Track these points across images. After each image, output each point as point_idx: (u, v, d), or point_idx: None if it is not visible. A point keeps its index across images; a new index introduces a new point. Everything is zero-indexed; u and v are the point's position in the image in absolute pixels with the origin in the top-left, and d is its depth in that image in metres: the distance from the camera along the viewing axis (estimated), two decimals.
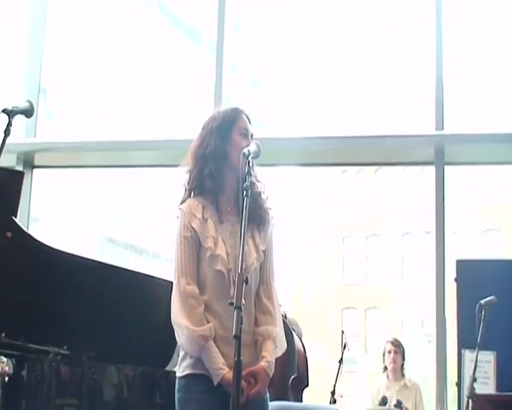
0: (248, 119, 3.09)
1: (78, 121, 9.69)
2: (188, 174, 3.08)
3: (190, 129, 7.89)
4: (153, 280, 5.29)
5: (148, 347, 5.03)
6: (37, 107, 7.39)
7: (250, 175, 2.78)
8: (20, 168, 7.02)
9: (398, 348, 6.25)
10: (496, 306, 4.83)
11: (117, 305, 4.85)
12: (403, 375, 6.20)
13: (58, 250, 4.64)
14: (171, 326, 5.48)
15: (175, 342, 5.33)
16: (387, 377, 6.18)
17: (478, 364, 4.77)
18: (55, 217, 11.19)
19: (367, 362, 17.14)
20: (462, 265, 6.08)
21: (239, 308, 2.61)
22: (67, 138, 7.76)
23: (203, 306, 2.87)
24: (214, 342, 2.83)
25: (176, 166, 8.11)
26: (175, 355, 5.34)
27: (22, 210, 5.66)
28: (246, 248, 2.78)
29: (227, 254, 2.90)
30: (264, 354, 2.87)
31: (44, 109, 8.57)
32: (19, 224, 4.46)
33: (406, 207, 21.18)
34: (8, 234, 4.32)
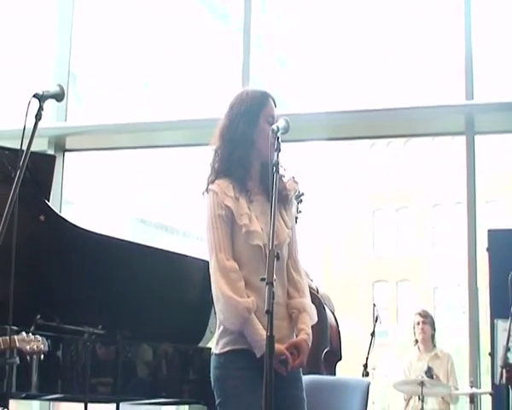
0: (275, 103, 3.08)
1: (108, 104, 9.71)
2: (215, 154, 3.08)
3: (218, 108, 7.90)
4: (184, 258, 5.31)
5: (181, 324, 5.07)
6: (67, 91, 7.45)
7: (279, 151, 2.79)
8: (51, 152, 7.08)
9: (426, 318, 6.23)
10: None
11: (150, 284, 4.88)
12: (434, 345, 6.18)
13: (91, 232, 4.67)
14: (203, 304, 5.51)
15: (207, 319, 5.39)
16: (418, 348, 6.16)
17: (511, 333, 4.73)
18: (87, 199, 11.28)
19: (399, 334, 17.11)
20: (493, 234, 6.04)
21: (271, 284, 2.63)
22: (97, 121, 7.79)
23: (243, 281, 2.88)
24: (255, 315, 2.83)
25: (204, 145, 8.13)
26: (207, 332, 5.40)
27: (55, 194, 5.71)
28: (277, 224, 2.81)
29: (261, 229, 2.91)
30: (301, 326, 2.88)
31: (74, 94, 8.61)
32: (51, 207, 4.50)
33: (436, 178, 21.02)
34: (42, 217, 4.35)
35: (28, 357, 2.80)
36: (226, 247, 2.89)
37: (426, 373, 5.42)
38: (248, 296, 2.84)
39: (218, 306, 2.89)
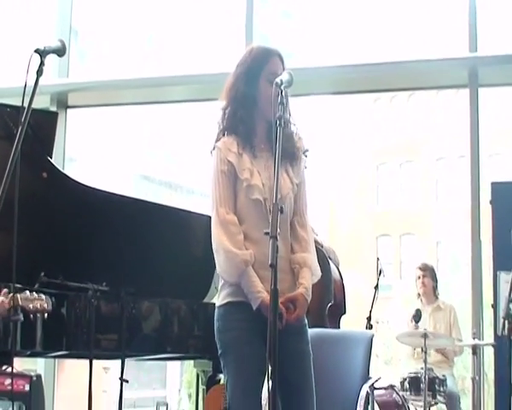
0: (281, 59, 3.04)
1: (110, 60, 9.64)
2: (222, 112, 3.08)
3: (222, 63, 7.84)
4: (189, 215, 5.31)
5: (186, 280, 5.08)
6: (68, 47, 7.34)
7: (283, 105, 2.77)
8: (53, 109, 7.03)
9: (425, 271, 6.23)
10: None
11: (154, 240, 4.88)
12: (436, 297, 6.19)
13: (94, 189, 4.67)
14: (208, 259, 5.51)
15: (212, 275, 5.40)
16: (421, 301, 6.18)
17: None
18: (90, 156, 11.26)
19: (402, 288, 17.18)
20: (497, 187, 6.03)
21: (274, 237, 2.63)
22: (100, 77, 7.72)
23: (243, 234, 2.90)
24: (253, 267, 2.86)
25: (208, 100, 8.07)
26: (212, 288, 5.41)
27: (57, 151, 5.68)
28: (281, 179, 2.82)
29: (263, 184, 2.92)
30: (301, 281, 2.90)
31: (76, 50, 8.54)
32: (54, 164, 4.48)
33: (440, 132, 20.92)
34: (44, 174, 4.34)
35: (32, 315, 2.79)
36: (227, 201, 2.92)
37: (414, 317, 5.43)
38: (247, 249, 2.87)
39: (217, 258, 2.92)
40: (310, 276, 2.92)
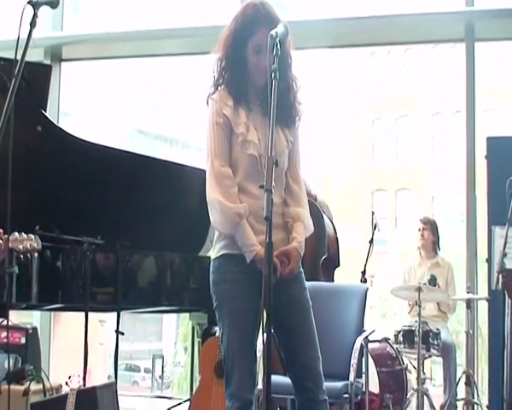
0: (271, 27, 2.84)
1: (105, 13, 9.53)
2: (217, 63, 3.03)
3: (216, 16, 7.76)
4: (184, 169, 5.29)
5: (181, 233, 5.09)
6: (62, 0, 7.30)
7: (277, 57, 2.74)
8: (47, 62, 6.97)
9: (426, 225, 6.22)
10: None
11: (149, 194, 4.87)
12: (435, 253, 6.21)
13: (89, 143, 4.64)
14: (203, 213, 5.51)
15: (207, 229, 5.41)
16: (420, 254, 6.19)
17: (508, 240, 4.75)
18: (85, 110, 11.19)
19: (397, 243, 17.24)
20: (492, 142, 6.01)
21: (269, 191, 2.63)
22: (94, 30, 7.65)
23: (237, 187, 2.90)
24: (248, 220, 2.86)
25: (203, 53, 7.97)
26: (207, 241, 5.42)
27: (51, 105, 5.64)
28: (276, 135, 2.81)
29: (258, 139, 2.91)
30: (294, 235, 2.91)
31: (70, 3, 8.43)
32: (49, 118, 4.45)
33: (436, 86, 20.84)
34: (39, 128, 4.32)
35: (23, 257, 2.79)
36: (222, 154, 2.91)
37: (429, 282, 5.46)
38: (242, 202, 2.87)
39: (211, 210, 2.92)
40: (303, 230, 2.93)
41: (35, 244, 2.79)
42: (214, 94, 2.98)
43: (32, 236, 2.79)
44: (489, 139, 6.05)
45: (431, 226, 6.15)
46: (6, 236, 2.66)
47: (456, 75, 7.01)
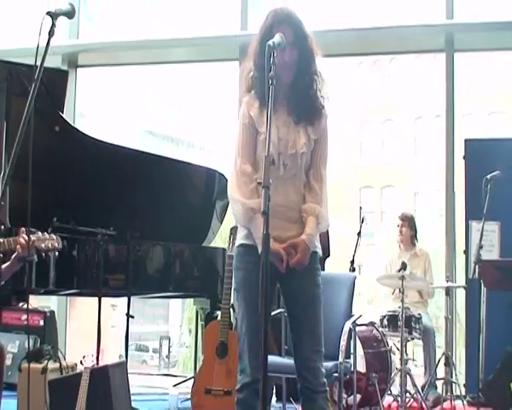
0: (290, 22, 2.85)
1: (118, 23, 9.50)
2: (248, 71, 2.97)
3: (219, 27, 7.72)
4: (188, 166, 5.28)
5: (187, 226, 5.08)
6: (78, 10, 7.27)
7: (275, 65, 2.72)
8: (64, 68, 6.94)
9: (404, 221, 6.18)
10: (500, 180, 4.77)
11: (157, 189, 4.86)
12: (413, 245, 6.19)
13: (103, 142, 4.63)
14: (206, 207, 5.50)
15: (210, 221, 5.40)
16: (400, 247, 6.18)
17: (484, 233, 4.74)
18: (99, 112, 11.17)
19: (383, 235, 17.26)
20: (469, 144, 6.01)
21: (266, 188, 2.62)
22: (108, 39, 7.62)
23: (255, 183, 2.82)
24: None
25: (207, 61, 7.95)
26: (210, 233, 5.41)
27: (68, 107, 5.64)
28: (295, 135, 2.82)
29: (278, 138, 2.85)
30: (306, 228, 2.81)
31: (85, 13, 8.39)
32: (65, 119, 4.43)
33: (418, 93, 20.85)
34: (56, 128, 4.30)
35: (44, 254, 2.80)
36: (245, 152, 2.87)
37: (400, 267, 5.43)
38: (259, 197, 2.74)
39: (230, 204, 2.90)
40: (315, 225, 2.83)
41: (56, 244, 2.80)
42: (245, 98, 2.95)
43: (54, 236, 2.79)
44: (467, 141, 6.04)
45: (408, 222, 6.12)
46: (26, 234, 2.67)
47: (437, 83, 6.99)
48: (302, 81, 2.87)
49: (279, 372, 3.69)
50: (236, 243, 2.95)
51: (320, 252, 2.93)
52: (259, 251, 2.77)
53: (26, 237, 2.64)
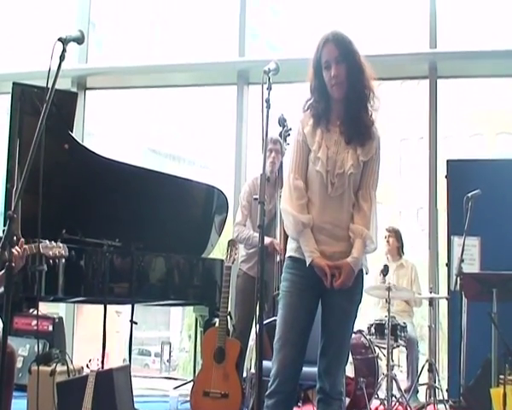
0: (335, 40, 2.81)
1: (124, 49, 9.53)
2: (309, 90, 2.92)
3: (218, 53, 7.74)
4: (189, 183, 5.28)
5: (187, 238, 5.07)
6: (87, 37, 7.28)
7: (270, 89, 2.72)
8: (74, 90, 6.95)
9: (391, 233, 6.17)
10: (480, 198, 4.78)
11: (160, 204, 4.85)
12: (400, 256, 6.19)
13: (109, 159, 4.63)
14: (206, 221, 5.48)
15: (209, 234, 5.39)
16: (387, 258, 6.17)
17: (465, 247, 4.75)
18: (106, 132, 11.18)
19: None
20: (451, 164, 6.01)
21: (262, 203, 2.62)
22: (115, 64, 7.63)
23: (306, 198, 2.79)
24: (312, 229, 2.76)
25: (206, 85, 7.93)
26: (209, 245, 5.40)
27: (77, 126, 5.63)
28: (344, 155, 2.75)
29: (327, 157, 2.77)
30: (352, 251, 2.72)
31: (94, 39, 8.42)
32: (74, 137, 4.43)
33: (403, 116, 20.93)
34: (66, 146, 4.31)
35: (51, 262, 2.79)
36: (298, 168, 2.81)
37: (382, 271, 5.41)
38: (309, 213, 2.77)
39: (283, 217, 2.84)
40: (362, 247, 2.74)
41: (63, 251, 2.79)
42: (301, 116, 2.89)
43: (61, 244, 2.78)
44: (449, 162, 6.04)
45: (395, 234, 6.13)
46: (35, 244, 2.65)
47: (421, 107, 7.01)
48: (353, 98, 2.78)
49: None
50: (287, 254, 2.88)
51: (366, 269, 2.85)
52: (307, 263, 2.72)
53: (20, 249, 2.61)
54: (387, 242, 6.08)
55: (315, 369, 2.81)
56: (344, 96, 2.78)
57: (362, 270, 2.82)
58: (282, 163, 4.81)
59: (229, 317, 4.25)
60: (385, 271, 5.22)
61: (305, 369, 2.87)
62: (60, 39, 2.58)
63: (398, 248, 6.09)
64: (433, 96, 6.50)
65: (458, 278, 4.61)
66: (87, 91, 7.40)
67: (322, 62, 2.80)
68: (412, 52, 6.75)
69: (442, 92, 6.68)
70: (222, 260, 4.99)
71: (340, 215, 2.75)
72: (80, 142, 4.64)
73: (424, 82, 6.62)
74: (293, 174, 2.81)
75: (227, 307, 4.20)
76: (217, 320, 4.42)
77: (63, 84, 6.85)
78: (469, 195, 4.76)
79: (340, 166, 2.75)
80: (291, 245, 2.85)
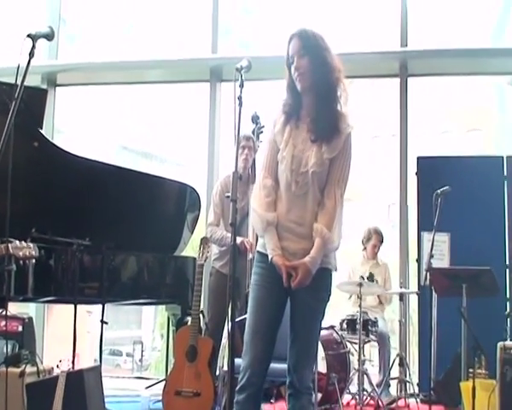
0: (300, 36, 2.79)
1: (95, 45, 9.44)
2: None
3: (191, 50, 7.71)
4: (161, 180, 5.25)
5: (159, 236, 5.04)
6: (57, 33, 7.20)
7: (243, 86, 2.73)
8: (44, 87, 6.87)
9: (376, 235, 6.13)
10: (450, 194, 4.84)
11: (131, 202, 4.82)
12: (376, 254, 6.23)
13: (80, 157, 4.57)
14: (178, 219, 5.46)
15: (181, 232, 5.36)
16: (364, 256, 6.18)
17: (435, 243, 4.80)
18: (77, 129, 11.07)
19: (343, 245, 17.34)
20: (421, 161, 6.09)
21: (234, 201, 2.63)
22: (86, 59, 7.56)
23: (273, 196, 2.79)
24: (278, 226, 2.75)
25: (180, 82, 7.89)
26: (181, 243, 5.38)
27: (47, 123, 5.56)
28: (309, 153, 2.73)
29: (292, 156, 2.76)
30: (311, 250, 2.70)
31: (64, 35, 8.32)
32: (44, 135, 4.38)
33: (375, 114, 21.07)
34: (35, 143, 4.24)
35: (22, 262, 2.75)
36: (267, 166, 2.82)
37: (368, 278, 5.45)
38: (275, 210, 2.77)
39: (251, 215, 2.88)
40: (321, 247, 2.70)
41: (33, 252, 2.75)
42: (274, 115, 2.88)
43: (31, 244, 2.75)
44: (419, 159, 6.12)
45: (378, 236, 6.12)
46: (1, 245, 2.62)
47: (392, 105, 7.06)
48: (319, 91, 2.76)
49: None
50: (256, 249, 2.90)
51: (334, 268, 2.85)
52: (269, 259, 2.73)
53: (4, 245, 2.58)
54: (374, 245, 6.07)
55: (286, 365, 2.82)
56: (308, 88, 2.77)
57: (329, 268, 2.82)
58: (254, 160, 4.82)
59: (201, 315, 4.24)
60: (370, 278, 5.27)
61: (278, 365, 2.88)
62: (29, 35, 2.56)
63: (378, 249, 6.13)
64: (403, 94, 6.57)
65: (428, 274, 4.66)
66: (57, 88, 7.33)
67: (289, 58, 2.81)
68: (383, 50, 6.82)
69: (413, 90, 6.75)
70: (194, 258, 4.98)
71: (304, 214, 2.75)
72: (50, 139, 4.58)
73: (395, 80, 6.68)
74: (262, 172, 2.83)
75: (199, 306, 4.19)
76: (189, 319, 4.42)
77: (33, 80, 6.74)
78: (439, 191, 4.81)
79: (305, 164, 2.74)
80: (259, 241, 2.87)
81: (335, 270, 2.85)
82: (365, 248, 6.13)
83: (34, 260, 2.76)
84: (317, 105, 2.77)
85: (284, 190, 2.78)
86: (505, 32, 9.14)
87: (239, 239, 4.56)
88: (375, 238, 6.06)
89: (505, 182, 5.85)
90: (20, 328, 5.13)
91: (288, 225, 2.74)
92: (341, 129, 2.78)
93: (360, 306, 5.08)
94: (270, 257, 2.73)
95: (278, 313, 2.77)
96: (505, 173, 5.87)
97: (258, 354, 2.72)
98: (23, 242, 2.69)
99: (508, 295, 5.66)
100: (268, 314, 2.75)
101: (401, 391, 5.34)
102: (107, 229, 4.52)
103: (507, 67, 6.71)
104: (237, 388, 2.70)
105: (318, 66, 2.75)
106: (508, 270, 5.61)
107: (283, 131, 2.80)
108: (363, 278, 5.30)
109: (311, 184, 2.75)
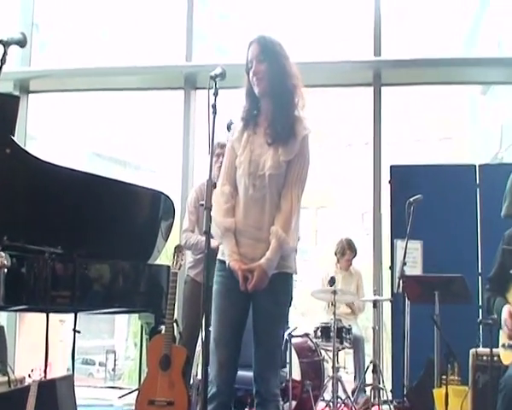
0: (259, 42, 2.82)
1: (68, 51, 9.37)
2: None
3: (165, 57, 7.70)
4: (135, 188, 5.21)
5: (133, 244, 4.99)
6: (30, 39, 7.15)
7: (217, 94, 2.73)
8: (16, 93, 6.80)
9: (349, 247, 6.16)
10: (422, 203, 4.89)
11: (104, 210, 4.77)
12: (350, 264, 6.25)
13: (52, 164, 4.52)
14: (152, 227, 5.44)
15: (155, 240, 5.33)
16: (336, 266, 6.20)
17: (407, 251, 4.85)
18: (49, 135, 10.98)
19: (317, 252, 17.46)
20: (395, 170, 6.14)
21: (208, 209, 2.63)
22: (58, 66, 7.51)
23: (232, 203, 2.80)
24: (236, 231, 2.77)
25: (154, 89, 7.87)
26: (155, 251, 5.34)
27: (20, 130, 5.51)
28: (266, 157, 2.75)
29: (250, 160, 2.78)
30: (267, 253, 2.71)
31: (37, 42, 8.24)
32: (17, 141, 4.32)
33: (349, 122, 21.21)
34: (8, 150, 4.18)
35: None
36: (226, 174, 2.85)
37: (329, 282, 5.47)
38: (234, 216, 2.79)
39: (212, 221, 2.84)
40: (277, 248, 2.71)
41: (5, 261, 2.72)
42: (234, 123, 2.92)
43: (3, 254, 2.71)
44: (392, 167, 6.17)
45: (350, 248, 6.15)
46: None
47: (366, 113, 7.12)
48: (275, 96, 2.79)
49: None
50: (217, 258, 2.90)
51: (294, 271, 2.85)
52: (227, 265, 2.76)
53: None
54: (348, 260, 6.10)
55: None
56: (265, 93, 2.80)
57: (289, 272, 2.83)
58: None
59: (175, 324, 4.22)
60: (332, 282, 5.29)
61: (251, 373, 2.88)
62: (1, 42, 2.53)
63: (350, 261, 6.16)
64: (377, 102, 6.62)
65: (401, 281, 4.71)
66: (30, 95, 7.27)
67: (249, 63, 2.84)
68: (357, 60, 6.87)
69: (386, 99, 6.81)
70: (168, 266, 4.95)
71: (261, 217, 2.77)
72: (22, 146, 4.53)
73: (369, 89, 6.73)
74: (221, 180, 2.86)
75: (173, 314, 4.16)
76: (163, 327, 4.39)
77: (5, 87, 6.73)
78: (411, 199, 4.86)
79: (262, 167, 2.76)
80: (220, 248, 2.89)
81: (295, 273, 2.88)
82: (338, 261, 6.17)
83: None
84: (274, 109, 2.80)
85: (242, 195, 2.81)
86: (477, 41, 9.28)
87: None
88: (348, 254, 6.11)
89: (477, 190, 5.92)
90: None
91: (246, 229, 2.76)
92: (298, 132, 2.80)
93: (334, 313, 5.10)
94: (227, 263, 2.75)
95: (241, 319, 2.79)
96: (477, 181, 5.95)
97: (224, 362, 2.74)
98: None
99: (480, 303, 5.73)
100: (230, 322, 2.78)
101: (375, 398, 5.37)
102: (79, 237, 4.47)
103: (479, 76, 6.82)
104: (208, 397, 2.70)
105: (276, 71, 2.80)
106: (480, 277, 5.68)
107: (241, 138, 2.84)
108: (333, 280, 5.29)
109: (268, 187, 2.77)
